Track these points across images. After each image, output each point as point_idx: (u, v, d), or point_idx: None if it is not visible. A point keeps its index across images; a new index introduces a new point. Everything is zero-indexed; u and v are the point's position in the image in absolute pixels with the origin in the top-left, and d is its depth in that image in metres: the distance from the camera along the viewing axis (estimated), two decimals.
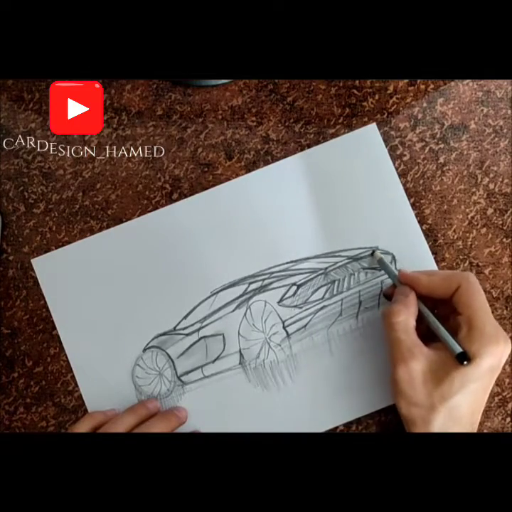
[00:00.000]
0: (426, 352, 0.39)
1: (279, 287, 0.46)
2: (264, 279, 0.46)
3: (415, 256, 0.46)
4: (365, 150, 0.47)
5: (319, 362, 0.45)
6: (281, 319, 0.46)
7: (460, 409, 0.38)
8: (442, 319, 0.40)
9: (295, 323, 0.46)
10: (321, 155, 0.47)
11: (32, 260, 0.47)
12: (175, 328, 0.46)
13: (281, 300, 0.46)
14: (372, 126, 0.47)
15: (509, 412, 0.46)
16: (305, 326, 0.46)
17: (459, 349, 0.37)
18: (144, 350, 0.46)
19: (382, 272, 0.46)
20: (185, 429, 0.45)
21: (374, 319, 0.46)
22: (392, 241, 0.46)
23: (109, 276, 0.47)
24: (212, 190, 0.47)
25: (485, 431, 0.46)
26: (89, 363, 0.46)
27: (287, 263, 0.46)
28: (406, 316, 0.40)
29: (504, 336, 0.39)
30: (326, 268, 0.46)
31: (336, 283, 0.46)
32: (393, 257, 0.46)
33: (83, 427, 0.43)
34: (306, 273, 0.46)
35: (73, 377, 0.46)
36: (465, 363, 0.37)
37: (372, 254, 0.46)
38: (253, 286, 0.46)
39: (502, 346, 0.38)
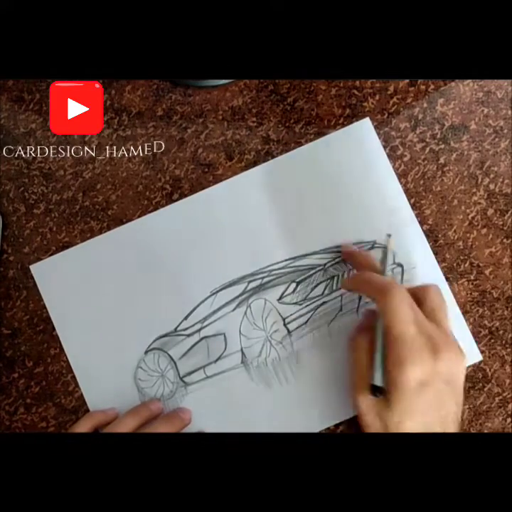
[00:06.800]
0: None
1: (279, 285, 0.46)
2: (263, 278, 0.46)
3: (411, 242, 0.46)
4: (359, 144, 0.47)
5: (321, 358, 0.45)
6: (281, 317, 0.46)
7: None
8: None
9: (296, 320, 0.46)
10: (315, 151, 0.47)
11: (30, 266, 0.47)
12: (176, 329, 0.46)
13: (281, 297, 0.46)
14: (366, 121, 0.47)
15: (509, 412, 0.46)
16: (306, 322, 0.46)
17: (375, 381, 0.38)
18: (146, 352, 0.46)
19: None
20: (189, 430, 0.45)
21: None
22: (390, 233, 0.46)
23: (108, 279, 0.47)
24: (209, 189, 0.47)
25: (485, 431, 0.46)
26: (91, 367, 0.46)
27: (286, 260, 0.46)
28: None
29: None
30: (325, 264, 0.46)
31: (336, 278, 0.46)
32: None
33: (83, 426, 0.43)
34: (304, 269, 0.46)
35: (74, 377, 0.46)
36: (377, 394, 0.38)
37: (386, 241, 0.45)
38: (252, 284, 0.46)
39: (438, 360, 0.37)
